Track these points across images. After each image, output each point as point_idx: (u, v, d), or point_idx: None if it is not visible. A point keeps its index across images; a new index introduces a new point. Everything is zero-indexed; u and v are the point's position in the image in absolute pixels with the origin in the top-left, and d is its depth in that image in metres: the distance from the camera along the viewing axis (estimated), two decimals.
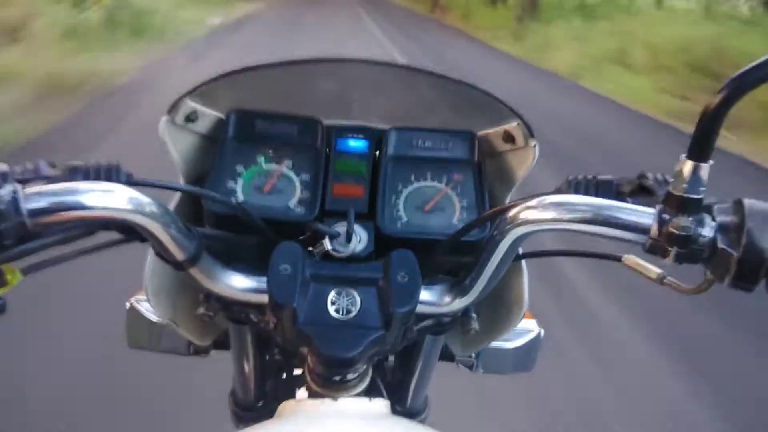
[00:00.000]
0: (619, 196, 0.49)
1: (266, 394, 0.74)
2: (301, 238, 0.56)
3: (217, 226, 0.59)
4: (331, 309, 0.51)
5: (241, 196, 0.61)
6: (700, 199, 0.41)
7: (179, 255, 0.50)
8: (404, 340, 0.58)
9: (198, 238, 0.51)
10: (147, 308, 0.73)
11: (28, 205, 0.41)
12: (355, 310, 0.51)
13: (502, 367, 0.78)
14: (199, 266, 0.52)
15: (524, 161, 0.63)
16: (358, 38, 10.51)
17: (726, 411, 1.86)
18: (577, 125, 5.47)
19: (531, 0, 13.55)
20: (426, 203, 0.63)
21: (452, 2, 19.91)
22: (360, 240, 0.57)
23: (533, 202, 0.47)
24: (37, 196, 0.41)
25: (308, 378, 0.55)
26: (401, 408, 0.74)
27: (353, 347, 0.49)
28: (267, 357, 0.73)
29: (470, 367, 0.78)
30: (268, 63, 0.61)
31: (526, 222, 0.47)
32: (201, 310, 0.58)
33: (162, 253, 0.50)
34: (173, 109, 0.60)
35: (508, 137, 0.65)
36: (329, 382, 0.54)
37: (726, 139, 4.56)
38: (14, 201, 0.40)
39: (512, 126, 0.64)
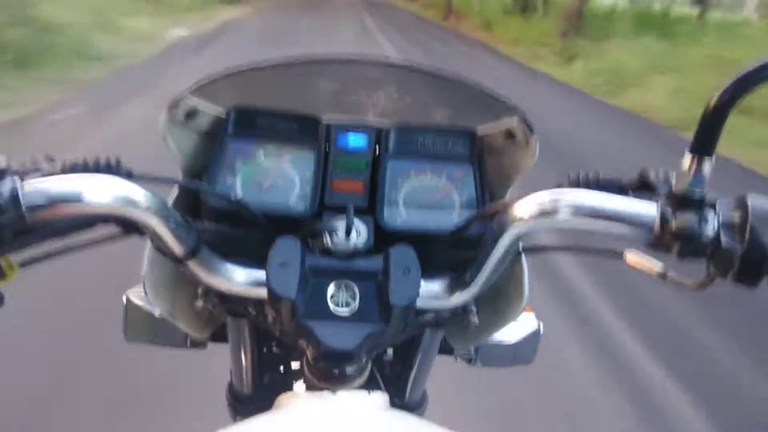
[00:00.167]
0: (621, 191, 0.49)
1: (264, 387, 0.74)
2: (300, 233, 0.56)
3: (216, 221, 0.59)
4: (331, 302, 0.51)
5: (240, 191, 0.61)
6: (703, 195, 0.41)
7: (178, 249, 0.50)
8: (404, 334, 0.58)
9: (196, 231, 0.51)
10: (144, 301, 0.73)
11: (26, 199, 0.41)
12: (354, 304, 0.51)
13: (501, 360, 0.78)
14: (197, 260, 0.52)
15: (524, 157, 0.63)
16: None
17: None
18: None
19: (577, 9, 11.38)
20: (426, 199, 0.63)
21: (467, 8, 17.89)
22: (359, 234, 0.57)
23: (534, 197, 0.47)
24: (35, 190, 0.42)
25: (306, 371, 0.56)
26: (400, 401, 0.74)
27: (352, 341, 0.49)
28: (265, 350, 0.73)
29: (469, 361, 0.78)
30: (269, 63, 0.62)
31: (528, 218, 0.47)
32: (199, 303, 0.58)
33: (160, 246, 0.50)
34: (173, 106, 0.61)
35: (508, 134, 0.65)
36: (328, 376, 0.54)
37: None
38: (13, 194, 0.40)
39: (512, 122, 0.64)
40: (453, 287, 0.56)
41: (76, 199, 0.42)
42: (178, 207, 0.59)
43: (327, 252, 0.55)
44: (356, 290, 0.52)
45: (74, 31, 6.81)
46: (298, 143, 0.64)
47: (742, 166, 4.54)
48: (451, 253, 0.59)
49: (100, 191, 0.43)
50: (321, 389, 0.54)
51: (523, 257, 0.60)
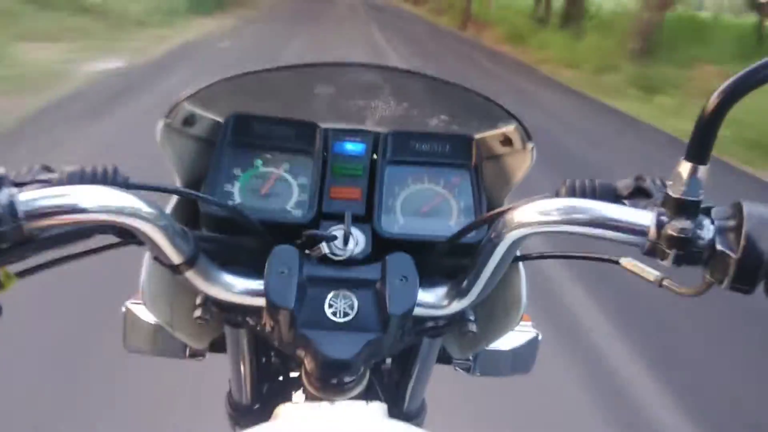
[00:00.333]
0: (617, 198, 0.49)
1: (263, 397, 0.74)
2: (298, 241, 0.56)
3: (214, 229, 0.59)
4: (329, 311, 0.51)
5: (238, 199, 0.61)
6: (699, 202, 0.41)
7: (176, 258, 0.50)
8: (402, 343, 0.58)
9: (194, 241, 0.52)
10: (143, 311, 0.73)
11: (24, 209, 0.41)
12: (352, 313, 0.51)
13: (500, 369, 0.78)
14: (195, 269, 0.52)
15: (522, 164, 0.64)
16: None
17: None
18: None
19: (653, 22, 8.89)
20: (423, 206, 0.63)
21: (486, 15, 15.87)
22: (357, 243, 0.57)
23: (531, 204, 0.47)
24: (33, 200, 0.42)
25: (305, 381, 0.56)
26: (398, 411, 0.74)
27: (350, 350, 0.49)
28: (264, 360, 0.73)
29: (467, 370, 0.78)
30: (267, 68, 0.62)
31: (524, 224, 0.47)
32: (197, 313, 0.58)
33: (158, 256, 0.50)
34: (171, 112, 0.61)
35: (506, 140, 0.65)
36: (326, 385, 0.54)
37: None
38: (11, 205, 0.41)
39: (510, 129, 0.64)
40: (451, 295, 0.56)
41: (73, 209, 0.43)
42: (176, 215, 0.60)
43: (325, 260, 0.55)
44: (354, 299, 0.52)
45: None
46: (295, 150, 0.65)
47: None
48: (449, 260, 0.59)
49: (98, 201, 0.44)
50: (320, 399, 0.54)
51: (521, 266, 0.60)
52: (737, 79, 0.37)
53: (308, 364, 0.53)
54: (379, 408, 0.51)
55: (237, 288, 0.55)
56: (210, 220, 0.59)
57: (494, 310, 0.63)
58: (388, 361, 0.75)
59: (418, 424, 0.76)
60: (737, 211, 0.41)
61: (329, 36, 10.92)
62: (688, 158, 0.40)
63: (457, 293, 0.55)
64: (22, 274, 0.47)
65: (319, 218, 0.60)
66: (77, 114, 4.61)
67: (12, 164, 0.49)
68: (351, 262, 0.55)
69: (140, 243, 0.50)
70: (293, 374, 0.75)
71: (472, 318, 0.61)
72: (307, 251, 0.56)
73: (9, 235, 0.41)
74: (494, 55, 10.81)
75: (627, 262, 0.50)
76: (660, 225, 0.42)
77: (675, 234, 0.41)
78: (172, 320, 0.61)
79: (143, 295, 0.57)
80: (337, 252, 0.55)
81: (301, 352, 0.53)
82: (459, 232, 0.56)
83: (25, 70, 5.65)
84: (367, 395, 0.56)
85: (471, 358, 0.76)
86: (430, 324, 0.60)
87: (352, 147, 0.65)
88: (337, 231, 0.57)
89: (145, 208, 0.46)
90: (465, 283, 0.54)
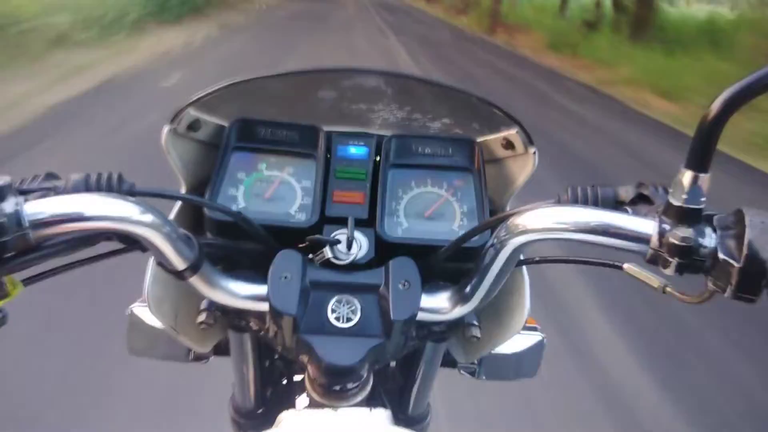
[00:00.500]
0: (619, 205, 0.49)
1: (266, 401, 0.74)
2: (301, 246, 0.56)
3: (218, 234, 0.59)
4: (332, 317, 0.51)
5: (242, 203, 0.61)
6: (700, 210, 0.41)
7: (180, 264, 0.50)
8: (405, 348, 0.58)
9: (198, 246, 0.52)
10: (147, 315, 0.73)
11: (30, 218, 0.41)
12: (355, 318, 0.51)
13: (505, 373, 0.78)
14: (199, 275, 0.52)
15: (524, 168, 0.64)
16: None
17: None
18: None
19: None
20: (426, 209, 0.63)
21: (513, 15, 13.59)
22: (360, 247, 0.57)
23: (535, 211, 0.47)
24: (39, 209, 0.42)
25: (309, 386, 0.56)
26: (403, 415, 0.74)
27: (354, 356, 0.49)
28: (267, 363, 0.73)
29: (472, 374, 0.78)
30: (270, 74, 0.62)
31: (529, 230, 0.47)
32: (201, 318, 0.59)
33: (162, 262, 0.50)
34: (175, 118, 0.61)
35: (508, 144, 0.66)
36: (330, 391, 0.54)
37: None
38: (16, 214, 0.41)
39: (512, 133, 0.64)
40: (454, 300, 0.56)
41: (77, 217, 0.43)
42: (180, 220, 0.60)
43: (328, 264, 0.55)
44: (357, 304, 0.52)
45: None
46: (299, 153, 0.65)
47: None
48: (452, 264, 0.59)
49: (101, 209, 0.44)
50: (323, 404, 0.54)
51: (525, 270, 0.60)
52: (739, 86, 0.36)
53: (311, 369, 0.53)
54: (382, 415, 0.51)
55: (240, 293, 0.55)
56: (214, 224, 0.59)
57: (498, 314, 0.63)
58: (393, 364, 0.74)
59: (423, 429, 0.76)
60: (739, 218, 0.41)
61: (338, 52, 8.41)
62: (689, 166, 0.40)
63: (461, 298, 0.55)
64: (27, 281, 0.47)
65: (322, 222, 0.60)
66: None
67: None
68: (354, 266, 0.56)
69: (144, 249, 0.50)
70: (297, 377, 0.75)
71: (475, 323, 0.61)
72: (310, 256, 0.56)
73: (14, 243, 0.41)
74: (551, 75, 7.69)
75: (630, 268, 0.50)
76: (662, 233, 0.42)
77: (677, 243, 0.41)
78: (176, 324, 0.61)
79: (147, 300, 0.57)
80: (341, 256, 0.56)
81: (304, 357, 0.53)
82: (462, 237, 0.56)
83: None
84: (371, 400, 0.56)
85: (476, 362, 0.76)
86: (434, 329, 0.60)
87: (355, 150, 0.65)
88: (340, 235, 0.57)
89: (148, 216, 0.46)
90: (468, 288, 0.54)
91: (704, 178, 0.40)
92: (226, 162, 0.63)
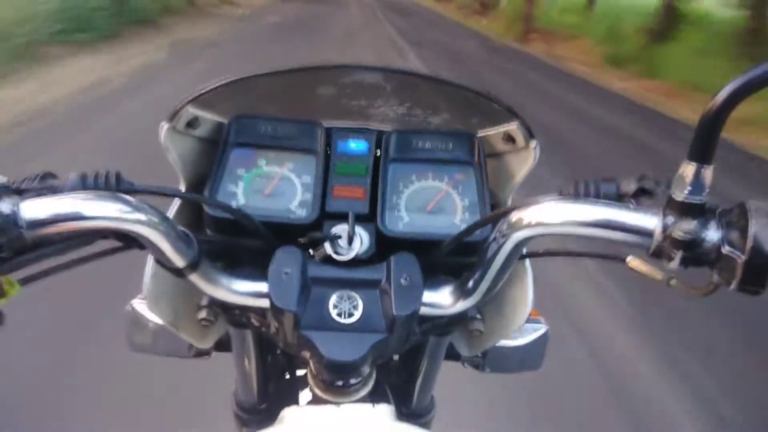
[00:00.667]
0: (621, 197, 0.49)
1: (269, 396, 0.74)
2: (301, 241, 0.56)
3: (218, 231, 0.59)
4: (333, 312, 0.51)
5: (242, 200, 0.61)
6: (704, 202, 0.41)
7: (179, 262, 0.50)
8: (408, 343, 0.58)
9: (197, 244, 0.51)
10: (148, 311, 0.73)
11: (27, 218, 0.41)
12: (357, 314, 0.51)
13: (509, 366, 0.78)
14: (199, 272, 0.52)
15: (525, 161, 0.64)
16: None
17: None
18: None
19: None
20: (427, 203, 0.63)
21: (545, 19, 11.28)
22: (361, 242, 0.57)
23: (538, 205, 0.47)
24: (36, 208, 0.42)
25: (311, 382, 0.55)
26: (406, 410, 0.74)
27: (356, 352, 0.49)
28: (269, 358, 0.73)
29: (476, 367, 0.78)
30: (270, 70, 0.62)
31: (531, 225, 0.47)
32: (201, 315, 0.58)
33: (161, 260, 0.50)
34: (174, 116, 0.61)
35: (509, 138, 0.65)
36: (333, 387, 0.53)
37: None
38: (13, 213, 0.41)
39: (512, 127, 0.64)
40: (456, 295, 0.55)
41: (75, 216, 0.43)
42: (179, 218, 0.60)
43: (329, 260, 0.55)
44: (359, 300, 0.52)
45: None
46: (299, 149, 0.64)
47: None
48: (454, 258, 0.59)
49: (100, 208, 0.44)
50: (326, 401, 0.53)
51: (528, 263, 0.60)
52: (742, 80, 0.36)
53: (313, 365, 0.53)
54: (385, 410, 0.51)
55: (241, 290, 0.54)
56: (213, 221, 0.59)
57: (502, 308, 0.62)
58: (395, 358, 0.74)
59: (427, 423, 0.76)
60: (743, 211, 0.40)
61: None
62: (692, 158, 0.40)
63: (463, 292, 0.55)
64: (25, 281, 0.46)
65: (322, 218, 0.60)
66: None
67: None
68: (355, 262, 0.55)
69: (142, 247, 0.50)
70: (300, 372, 0.75)
71: (478, 317, 0.60)
72: (310, 252, 0.55)
73: (11, 244, 0.41)
74: (633, 108, 5.62)
75: (634, 261, 0.50)
76: (665, 226, 0.42)
77: (680, 236, 0.40)
78: (176, 321, 0.61)
79: (147, 297, 0.57)
80: (341, 252, 0.55)
81: (306, 354, 0.53)
82: (464, 231, 0.56)
83: None
84: (374, 395, 0.55)
85: (480, 355, 0.76)
86: (437, 323, 0.60)
87: (355, 145, 0.65)
88: (341, 231, 0.56)
89: (146, 214, 0.46)
90: (471, 282, 0.54)
91: (707, 171, 0.40)
92: (225, 159, 0.63)
